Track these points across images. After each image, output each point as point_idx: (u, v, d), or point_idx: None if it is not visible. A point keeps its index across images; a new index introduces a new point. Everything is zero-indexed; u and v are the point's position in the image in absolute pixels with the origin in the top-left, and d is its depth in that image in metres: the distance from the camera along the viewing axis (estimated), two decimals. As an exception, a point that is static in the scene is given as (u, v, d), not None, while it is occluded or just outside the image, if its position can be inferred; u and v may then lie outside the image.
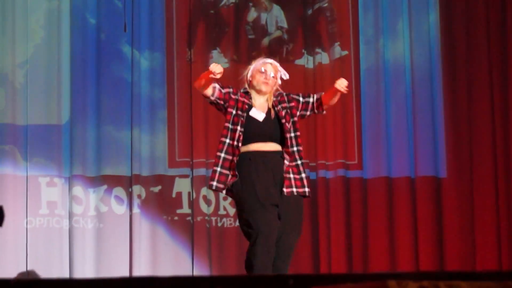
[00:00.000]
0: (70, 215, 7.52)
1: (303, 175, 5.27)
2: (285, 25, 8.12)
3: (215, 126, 7.69)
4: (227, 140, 5.24)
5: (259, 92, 5.35)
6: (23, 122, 7.51)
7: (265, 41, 8.07)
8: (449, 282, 2.83)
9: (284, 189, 5.20)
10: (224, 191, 5.27)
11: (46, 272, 7.30)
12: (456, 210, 7.99)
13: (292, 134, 5.27)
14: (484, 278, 3.18)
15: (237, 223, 7.67)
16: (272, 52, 7.90)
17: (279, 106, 5.32)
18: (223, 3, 8.05)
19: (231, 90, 5.33)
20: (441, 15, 8.20)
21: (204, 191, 7.74)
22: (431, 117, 8.07)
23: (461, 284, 2.83)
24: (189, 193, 7.76)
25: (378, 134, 8.02)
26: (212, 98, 5.27)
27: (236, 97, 5.30)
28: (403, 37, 8.15)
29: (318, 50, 8.09)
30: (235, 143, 5.20)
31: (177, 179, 7.76)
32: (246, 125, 5.24)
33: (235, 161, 5.18)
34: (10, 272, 7.17)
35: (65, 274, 7.33)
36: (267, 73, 5.34)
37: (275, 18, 8.10)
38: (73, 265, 7.42)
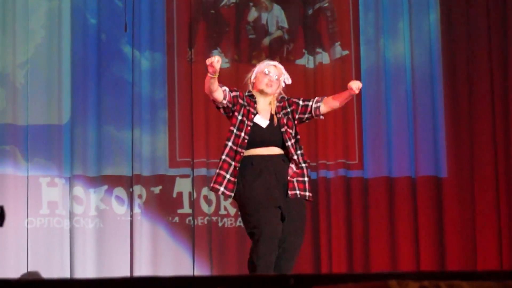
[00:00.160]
0: (71, 215, 7.51)
1: (306, 178, 5.28)
2: (285, 25, 8.12)
3: (215, 126, 7.69)
4: (230, 144, 5.24)
5: (262, 93, 5.35)
6: (23, 122, 7.51)
7: (266, 41, 8.07)
8: (450, 282, 2.83)
9: (288, 192, 5.21)
10: (230, 199, 5.30)
11: (46, 272, 7.30)
12: (456, 210, 7.99)
13: (293, 141, 5.28)
14: (485, 278, 3.18)
15: (238, 223, 7.69)
16: (272, 52, 7.90)
17: (281, 113, 5.33)
18: (223, 3, 8.05)
19: (237, 94, 5.33)
20: (441, 15, 8.20)
21: (205, 191, 7.74)
22: (431, 116, 8.07)
23: (462, 284, 2.83)
24: (189, 193, 7.76)
25: (378, 134, 8.02)
26: (224, 102, 5.25)
27: (243, 102, 5.30)
28: (404, 37, 8.15)
29: (318, 50, 8.09)
30: (238, 148, 5.21)
31: (177, 179, 7.76)
32: (250, 131, 5.25)
33: (237, 168, 5.19)
34: (11, 272, 7.16)
35: (66, 274, 7.33)
36: (270, 75, 5.34)
37: (275, 18, 8.10)
38: (73, 265, 7.42)
